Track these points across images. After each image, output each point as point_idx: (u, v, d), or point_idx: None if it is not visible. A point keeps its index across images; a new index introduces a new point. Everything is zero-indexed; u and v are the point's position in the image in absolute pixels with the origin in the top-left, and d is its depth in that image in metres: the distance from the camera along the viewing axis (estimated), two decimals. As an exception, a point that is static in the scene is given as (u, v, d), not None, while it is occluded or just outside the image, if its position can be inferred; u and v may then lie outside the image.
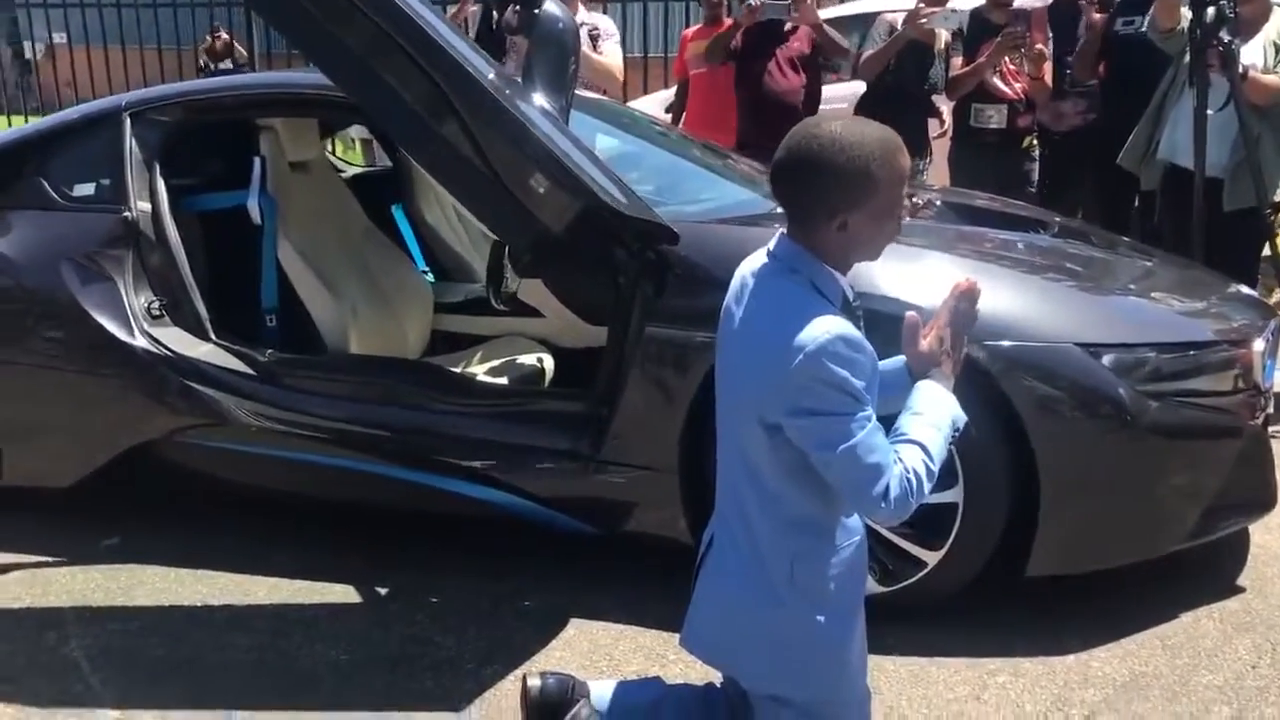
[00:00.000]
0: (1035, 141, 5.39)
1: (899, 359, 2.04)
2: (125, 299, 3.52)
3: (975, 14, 5.44)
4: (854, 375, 1.79)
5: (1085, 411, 2.81)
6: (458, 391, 3.42)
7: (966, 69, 5.28)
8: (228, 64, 11.46)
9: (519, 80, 3.05)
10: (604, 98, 4.60)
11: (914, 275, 2.87)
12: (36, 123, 4.11)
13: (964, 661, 2.84)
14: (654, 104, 7.26)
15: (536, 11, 3.04)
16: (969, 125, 5.37)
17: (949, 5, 5.25)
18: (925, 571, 2.93)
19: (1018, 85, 5.30)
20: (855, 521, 2.00)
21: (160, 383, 3.47)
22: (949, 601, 2.97)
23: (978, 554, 2.91)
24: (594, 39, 5.11)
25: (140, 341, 3.48)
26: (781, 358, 1.80)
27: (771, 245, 1.95)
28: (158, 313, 3.56)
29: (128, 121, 3.65)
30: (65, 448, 3.62)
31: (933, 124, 5.62)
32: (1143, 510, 2.95)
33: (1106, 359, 2.83)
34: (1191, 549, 3.09)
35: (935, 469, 1.87)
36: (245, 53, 10.98)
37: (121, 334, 3.48)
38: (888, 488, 1.81)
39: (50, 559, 3.51)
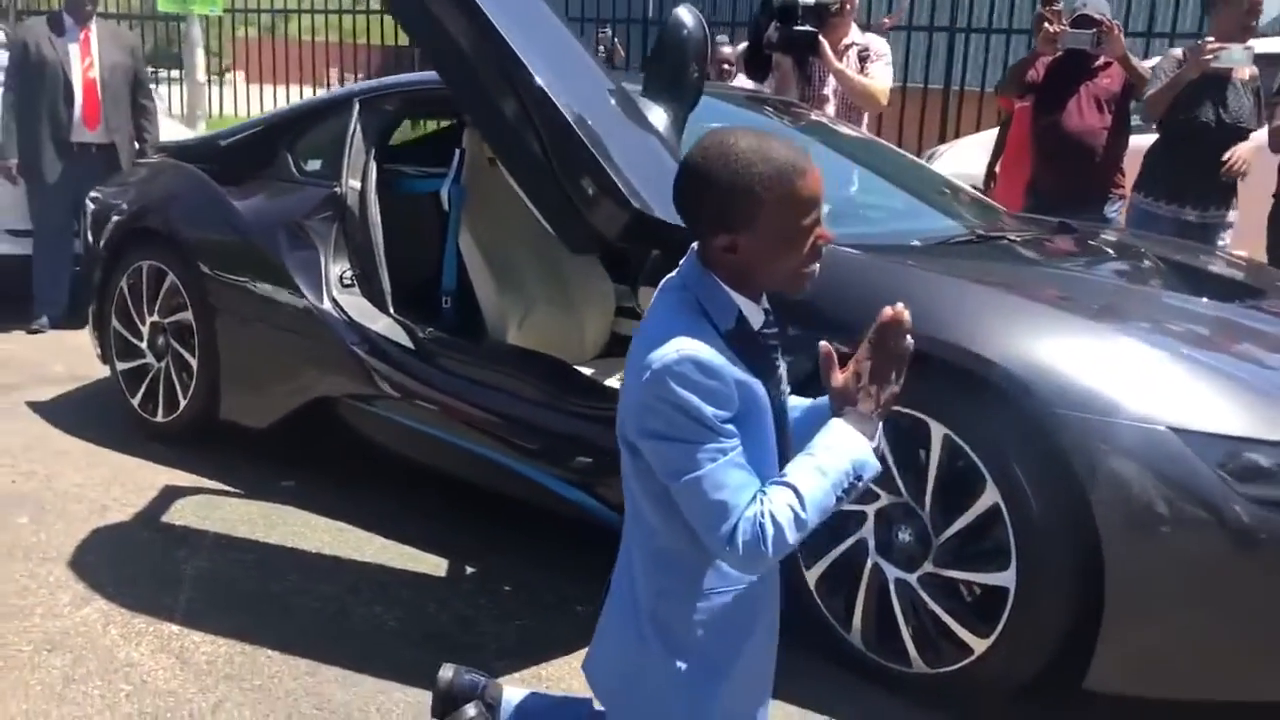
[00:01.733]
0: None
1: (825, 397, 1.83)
2: (323, 267, 3.87)
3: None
4: (706, 402, 1.64)
5: (1170, 506, 2.36)
6: (575, 391, 3.43)
7: (1290, 116, 4.54)
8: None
9: (624, 87, 3.01)
10: (825, 118, 4.42)
11: (1081, 352, 2.58)
12: (303, 101, 4.61)
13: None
14: (979, 142, 6.86)
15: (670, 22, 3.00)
16: (1291, 183, 4.62)
17: (1243, 44, 4.48)
18: (970, 659, 2.59)
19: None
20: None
21: (338, 346, 3.77)
22: (1004, 706, 2.62)
23: (1034, 650, 2.53)
24: (863, 59, 4.91)
25: (328, 307, 3.81)
26: (637, 374, 1.69)
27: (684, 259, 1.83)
28: (348, 282, 3.87)
29: (357, 107, 4.00)
30: (263, 393, 4.03)
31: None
32: (1248, 638, 2.42)
33: (1212, 450, 2.36)
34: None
35: (809, 517, 1.65)
36: (623, 54, 11.25)
37: (314, 298, 3.83)
38: (735, 529, 1.64)
39: (230, 489, 3.93)
